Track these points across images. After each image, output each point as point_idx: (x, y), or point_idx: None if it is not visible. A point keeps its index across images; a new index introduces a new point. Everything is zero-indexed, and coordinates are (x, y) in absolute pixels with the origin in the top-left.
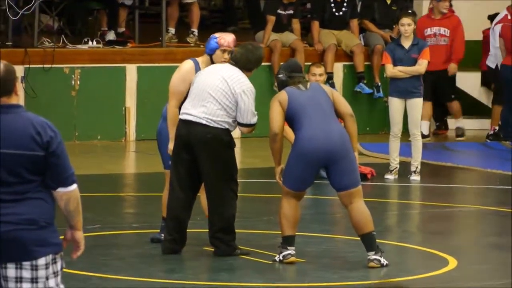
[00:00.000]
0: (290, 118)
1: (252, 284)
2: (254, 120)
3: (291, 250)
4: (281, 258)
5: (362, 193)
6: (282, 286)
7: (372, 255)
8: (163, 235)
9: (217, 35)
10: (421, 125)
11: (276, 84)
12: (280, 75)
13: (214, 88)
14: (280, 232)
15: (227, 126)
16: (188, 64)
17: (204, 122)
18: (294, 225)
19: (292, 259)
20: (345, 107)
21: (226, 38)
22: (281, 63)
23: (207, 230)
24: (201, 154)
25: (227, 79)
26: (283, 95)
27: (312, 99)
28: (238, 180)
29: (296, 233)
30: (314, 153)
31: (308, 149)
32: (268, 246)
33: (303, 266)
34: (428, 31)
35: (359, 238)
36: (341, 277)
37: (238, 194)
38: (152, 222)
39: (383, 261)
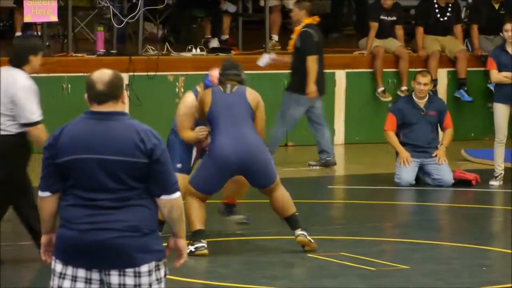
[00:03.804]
0: (209, 120)
1: None
2: (34, 117)
3: (204, 243)
4: (193, 249)
5: (279, 181)
6: None
7: (299, 231)
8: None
9: (209, 73)
10: None
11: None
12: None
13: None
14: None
15: (18, 131)
16: (189, 97)
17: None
18: (203, 221)
19: (205, 251)
20: (260, 126)
21: (216, 75)
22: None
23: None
24: None
25: (6, 79)
26: (209, 96)
27: (231, 104)
28: (342, 187)
29: (401, 240)
30: (228, 162)
31: (222, 158)
32: (373, 253)
33: (407, 273)
34: None
35: (463, 245)
36: (446, 284)
37: (342, 201)
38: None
39: (309, 236)
